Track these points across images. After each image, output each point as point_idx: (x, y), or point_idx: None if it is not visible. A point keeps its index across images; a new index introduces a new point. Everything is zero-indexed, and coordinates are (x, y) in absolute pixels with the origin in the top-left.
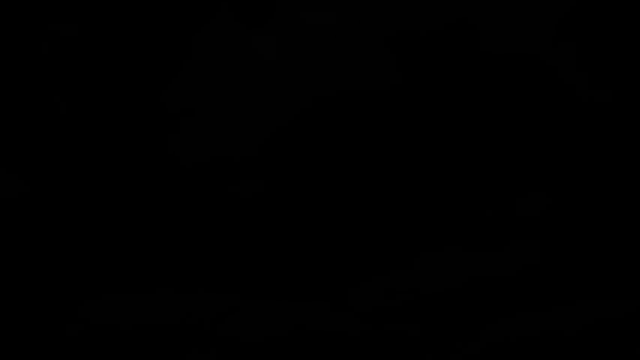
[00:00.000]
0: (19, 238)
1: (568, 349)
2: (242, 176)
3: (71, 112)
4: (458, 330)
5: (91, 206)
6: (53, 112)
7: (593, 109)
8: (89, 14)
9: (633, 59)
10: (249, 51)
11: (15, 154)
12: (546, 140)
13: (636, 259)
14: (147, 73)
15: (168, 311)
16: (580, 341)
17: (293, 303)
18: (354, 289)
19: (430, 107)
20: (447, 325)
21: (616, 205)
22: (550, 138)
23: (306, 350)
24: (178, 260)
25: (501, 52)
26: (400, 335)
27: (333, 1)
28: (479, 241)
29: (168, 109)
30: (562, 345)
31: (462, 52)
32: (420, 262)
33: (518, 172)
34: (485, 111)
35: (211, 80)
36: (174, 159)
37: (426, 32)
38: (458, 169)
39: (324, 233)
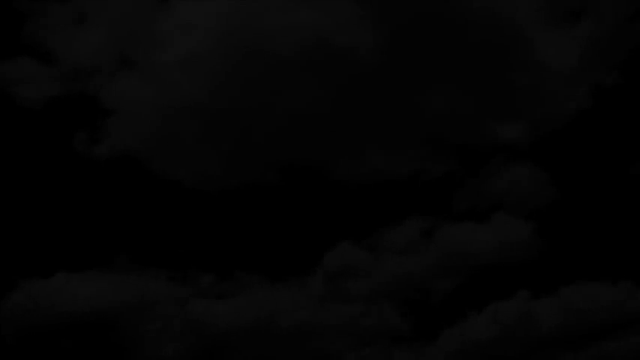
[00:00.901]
0: None
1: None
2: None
3: None
4: (427, 323)
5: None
6: None
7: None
8: None
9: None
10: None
11: None
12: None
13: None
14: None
15: (130, 292)
16: (567, 329)
17: (264, 285)
18: (313, 270)
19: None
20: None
21: (616, 192)
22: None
23: (272, 334)
24: (144, 245)
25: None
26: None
27: None
28: (447, 213)
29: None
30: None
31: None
32: (379, 238)
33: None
34: (477, 81)
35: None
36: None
37: None
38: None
39: (284, 211)
